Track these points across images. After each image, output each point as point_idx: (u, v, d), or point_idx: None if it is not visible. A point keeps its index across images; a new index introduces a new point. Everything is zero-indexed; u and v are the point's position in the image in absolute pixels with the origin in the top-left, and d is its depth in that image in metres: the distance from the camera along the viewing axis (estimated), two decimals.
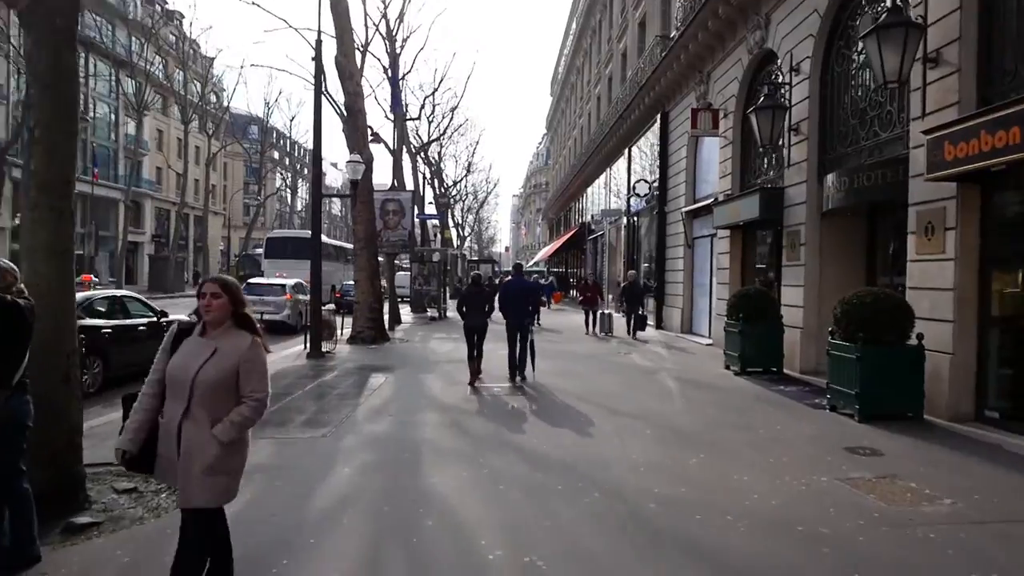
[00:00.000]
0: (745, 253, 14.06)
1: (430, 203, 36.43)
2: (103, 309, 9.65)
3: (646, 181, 19.87)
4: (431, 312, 24.61)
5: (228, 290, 2.97)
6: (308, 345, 12.97)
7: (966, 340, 7.15)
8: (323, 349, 13.40)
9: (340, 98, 15.64)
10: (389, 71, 21.98)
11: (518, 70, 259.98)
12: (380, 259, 27.36)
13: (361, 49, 19.27)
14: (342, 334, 16.00)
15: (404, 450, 6.14)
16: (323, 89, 16.29)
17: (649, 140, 21.81)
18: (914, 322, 7.24)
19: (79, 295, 9.65)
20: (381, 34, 21.27)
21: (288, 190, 71.42)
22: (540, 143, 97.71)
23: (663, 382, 10.08)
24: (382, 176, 21.71)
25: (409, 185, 29.61)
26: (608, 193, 29.46)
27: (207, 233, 47.38)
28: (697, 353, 13.76)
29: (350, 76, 15.01)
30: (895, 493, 4.87)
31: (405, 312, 25.78)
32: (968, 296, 7.16)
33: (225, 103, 51.36)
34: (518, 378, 9.67)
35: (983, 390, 7.16)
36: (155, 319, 10.31)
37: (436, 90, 30.63)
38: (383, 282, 23.29)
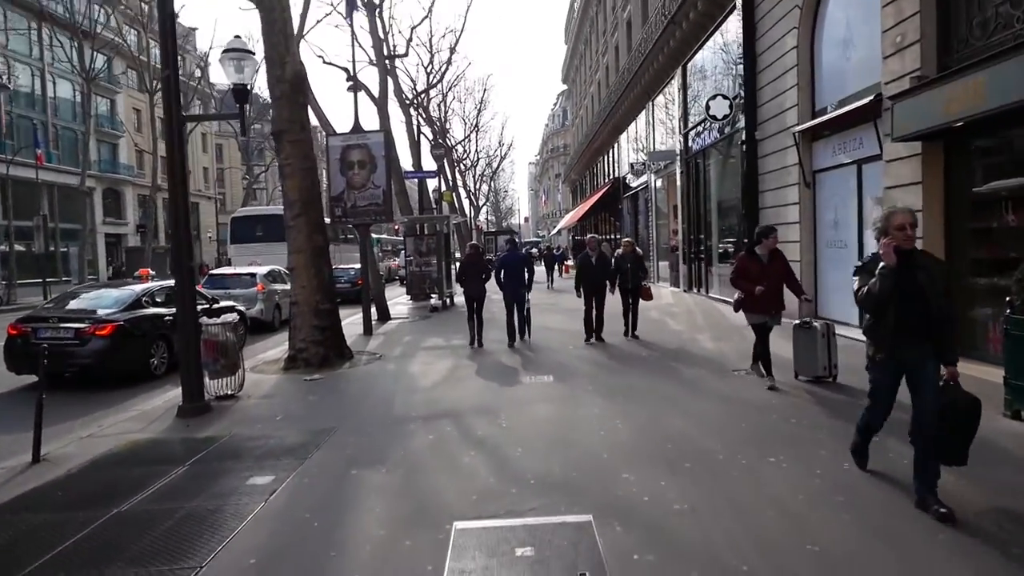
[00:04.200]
0: (954, 180, 7.90)
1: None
2: (161, 300, 10.21)
3: (725, 96, 13.61)
4: (434, 300, 18.78)
5: None
6: (183, 391, 7.24)
7: None
8: (221, 393, 7.72)
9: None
10: None
11: (527, 30, 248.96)
12: (335, 233, 21.63)
13: None
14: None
15: None
16: None
17: (717, 45, 15.48)
18: None
19: (140, 287, 10.42)
20: None
21: None
22: (555, 104, 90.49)
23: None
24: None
25: (404, 146, 23.71)
26: (651, 133, 23.09)
27: (196, 219, 41.96)
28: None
29: None
30: None
31: (403, 300, 20.08)
32: None
33: (204, 76, 45.55)
34: (517, 342, 10.51)
35: None
36: (208, 305, 10.56)
37: (427, 17, 24.31)
38: (357, 265, 17.68)
